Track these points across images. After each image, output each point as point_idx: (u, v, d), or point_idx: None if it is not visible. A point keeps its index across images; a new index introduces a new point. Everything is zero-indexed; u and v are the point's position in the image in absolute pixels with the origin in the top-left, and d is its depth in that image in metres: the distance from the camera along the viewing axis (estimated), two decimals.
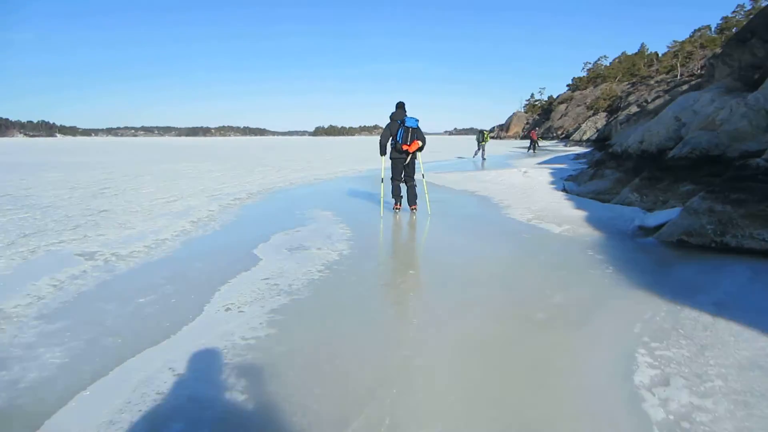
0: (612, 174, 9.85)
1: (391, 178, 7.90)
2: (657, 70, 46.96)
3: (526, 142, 70.58)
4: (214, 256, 5.25)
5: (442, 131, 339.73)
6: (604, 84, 77.29)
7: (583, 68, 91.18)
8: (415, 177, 7.97)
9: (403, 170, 7.79)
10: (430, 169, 16.97)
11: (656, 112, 24.44)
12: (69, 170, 16.50)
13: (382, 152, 7.78)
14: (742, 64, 9.78)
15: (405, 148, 7.48)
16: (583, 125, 45.05)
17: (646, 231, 5.93)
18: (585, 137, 42.35)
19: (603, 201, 8.69)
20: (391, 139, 7.61)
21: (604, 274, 4.46)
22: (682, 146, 7.51)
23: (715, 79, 10.78)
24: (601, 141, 38.80)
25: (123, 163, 21.42)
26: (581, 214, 7.46)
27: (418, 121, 7.55)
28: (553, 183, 11.50)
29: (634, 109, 36.96)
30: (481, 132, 23.59)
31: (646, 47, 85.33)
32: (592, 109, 70.01)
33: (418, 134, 7.49)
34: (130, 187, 11.48)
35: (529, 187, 10.85)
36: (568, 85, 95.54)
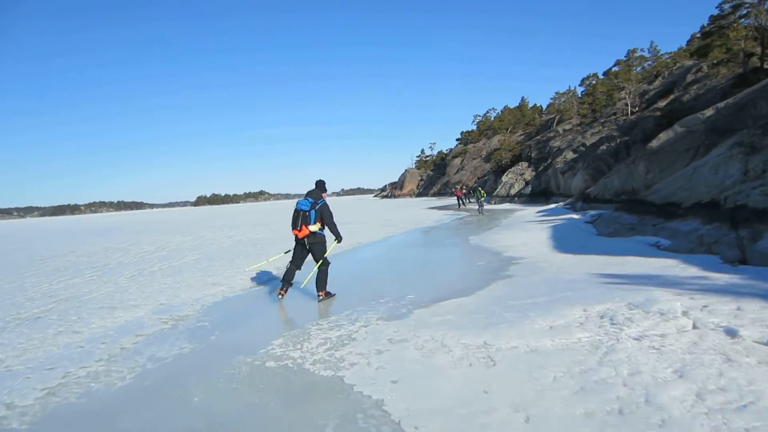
0: None
1: (290, 261, 6.99)
2: (579, 112, 41.61)
3: (425, 201, 63.64)
4: None
5: (329, 193, 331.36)
6: (497, 135, 73.58)
7: (474, 121, 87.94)
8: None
9: (301, 254, 6.90)
10: (375, 306, 6.46)
11: (667, 148, 16.61)
12: None
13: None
14: None
15: (294, 233, 6.75)
16: (505, 178, 37.75)
17: None
18: (513, 191, 34.76)
19: None
20: None
21: None
22: None
23: None
24: (539, 194, 31.32)
25: None
26: None
27: (311, 202, 6.74)
28: None
29: (570, 155, 30.08)
30: (477, 190, 26.85)
31: (527, 100, 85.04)
32: (490, 161, 65.02)
33: (312, 217, 6.65)
34: None
35: None
36: (458, 139, 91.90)
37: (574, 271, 7.34)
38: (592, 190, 18.80)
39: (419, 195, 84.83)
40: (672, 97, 25.54)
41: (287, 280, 6.91)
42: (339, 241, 6.92)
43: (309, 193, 6.85)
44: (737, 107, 14.25)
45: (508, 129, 74.84)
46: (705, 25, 34.41)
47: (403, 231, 17.50)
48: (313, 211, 6.65)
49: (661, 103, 25.49)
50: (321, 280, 6.74)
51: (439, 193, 76.20)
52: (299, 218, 6.62)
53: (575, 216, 16.31)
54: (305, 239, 6.70)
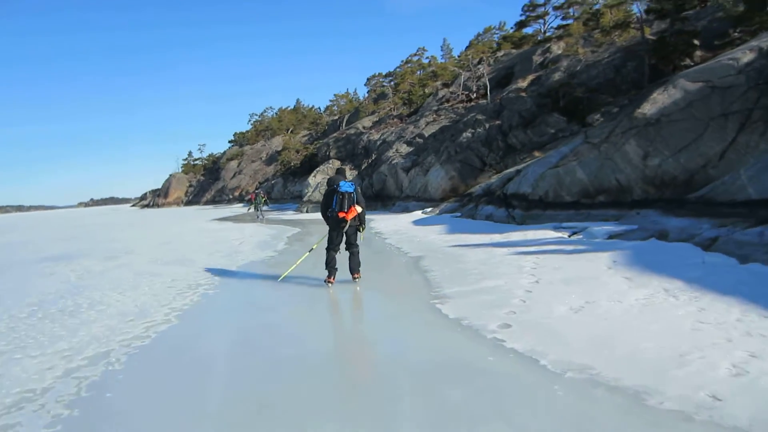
0: None
1: (327, 248, 6.47)
2: (394, 101, 35.46)
3: (201, 210, 49.38)
4: None
5: (75, 203, 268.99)
6: (278, 137, 64.50)
7: (249, 120, 76.84)
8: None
9: (341, 238, 6.46)
10: None
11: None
12: None
13: (328, 223, 6.49)
14: None
15: (342, 215, 6.23)
16: (314, 180, 29.22)
17: None
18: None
19: None
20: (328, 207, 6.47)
21: None
22: None
23: None
24: (372, 198, 23.47)
25: None
26: None
27: (354, 184, 6.43)
28: None
29: (404, 148, 23.25)
30: (258, 194, 26.02)
31: (301, 102, 78.73)
32: (274, 163, 55.69)
33: (355, 198, 6.33)
34: None
35: None
36: (230, 141, 79.26)
37: None
38: (530, 191, 11.31)
39: (189, 203, 69.76)
40: (531, 77, 20.44)
41: (332, 267, 6.52)
42: (363, 228, 6.63)
43: (332, 180, 6.63)
44: None
45: (289, 130, 66.30)
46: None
47: (217, 283, 7.13)
48: (356, 194, 6.39)
49: (522, 84, 20.14)
50: (356, 263, 6.57)
51: (215, 201, 62.93)
52: (345, 200, 6.25)
53: (564, 236, 8.47)
54: (349, 221, 6.33)
